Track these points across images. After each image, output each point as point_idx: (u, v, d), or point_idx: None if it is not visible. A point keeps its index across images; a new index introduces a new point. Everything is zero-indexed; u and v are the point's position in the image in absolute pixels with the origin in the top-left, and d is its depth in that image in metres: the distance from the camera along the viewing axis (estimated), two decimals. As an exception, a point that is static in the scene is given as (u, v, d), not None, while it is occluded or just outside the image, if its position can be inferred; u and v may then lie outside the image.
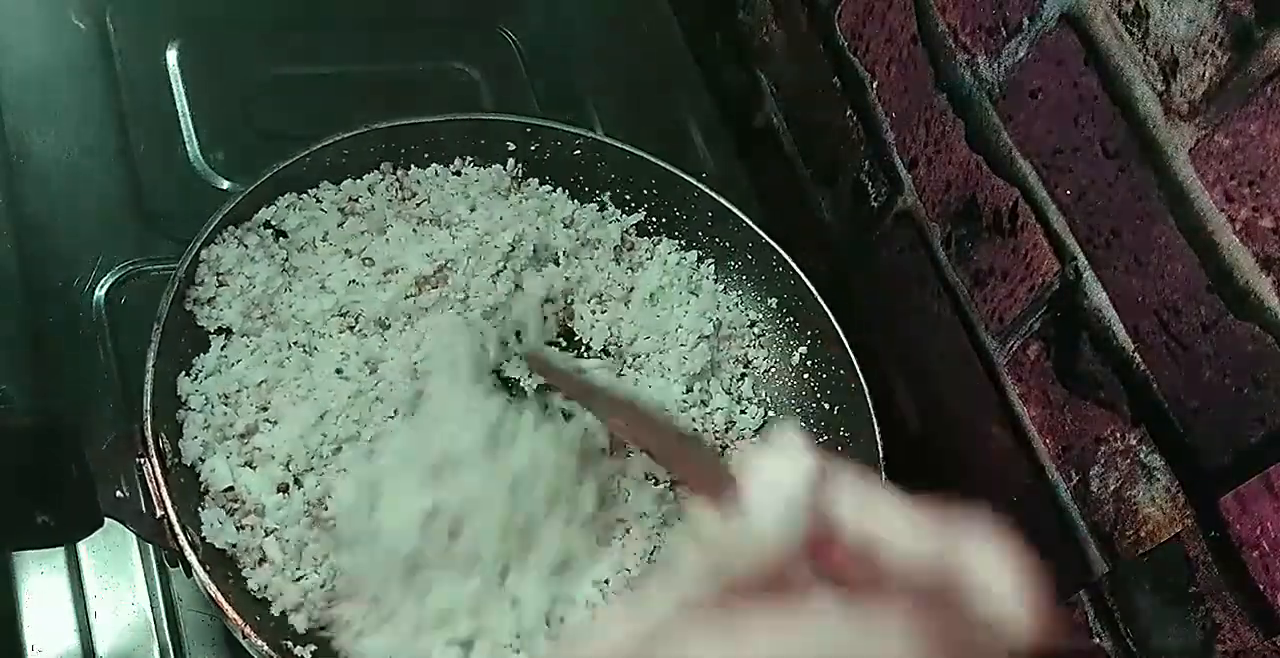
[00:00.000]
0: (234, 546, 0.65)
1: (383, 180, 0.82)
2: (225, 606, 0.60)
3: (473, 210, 0.82)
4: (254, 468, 0.68)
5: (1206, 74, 0.60)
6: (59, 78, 0.87)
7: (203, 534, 0.65)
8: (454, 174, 0.84)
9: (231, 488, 0.67)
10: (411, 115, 0.82)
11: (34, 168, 0.82)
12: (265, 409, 0.70)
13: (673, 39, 1.08)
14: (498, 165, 0.84)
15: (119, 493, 0.62)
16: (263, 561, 0.66)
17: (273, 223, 0.77)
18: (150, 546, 0.68)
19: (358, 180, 0.81)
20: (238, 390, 0.70)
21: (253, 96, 0.90)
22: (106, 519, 0.60)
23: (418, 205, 0.82)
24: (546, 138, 0.84)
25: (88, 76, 0.87)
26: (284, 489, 0.68)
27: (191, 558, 0.61)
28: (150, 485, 0.62)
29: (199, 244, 0.72)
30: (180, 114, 0.87)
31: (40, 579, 0.66)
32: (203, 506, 0.66)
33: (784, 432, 0.32)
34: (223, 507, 0.66)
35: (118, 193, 0.83)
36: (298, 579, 0.65)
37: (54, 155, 0.83)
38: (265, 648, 0.61)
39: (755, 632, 0.29)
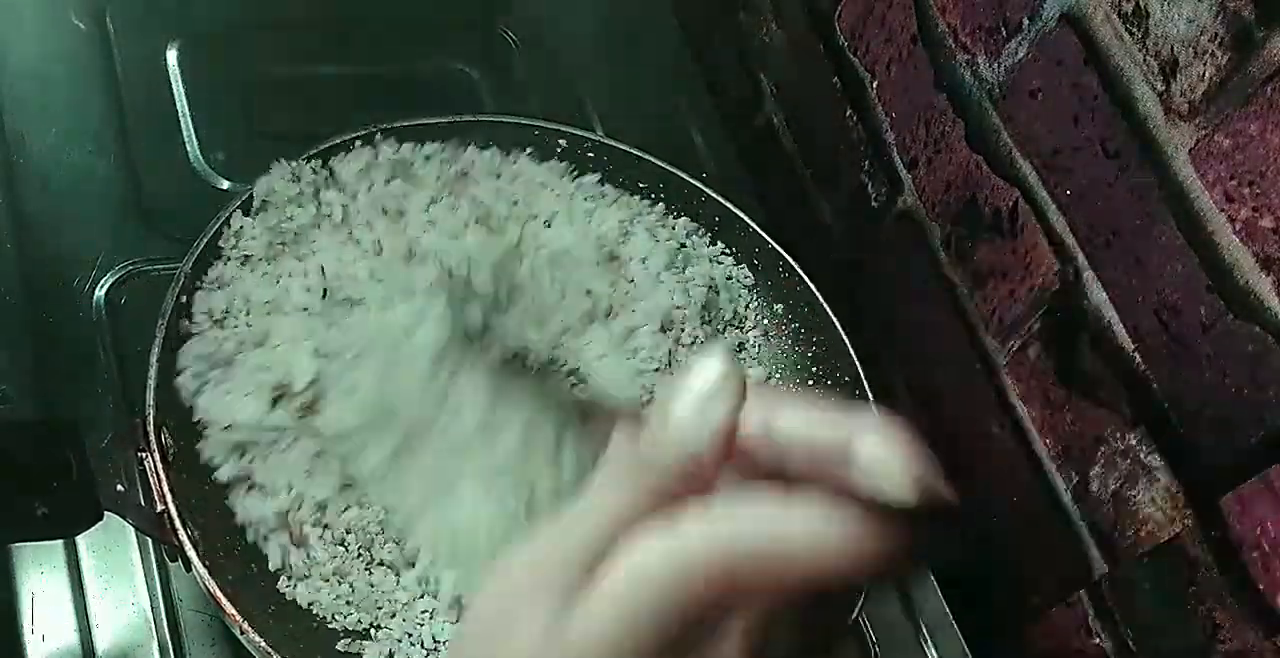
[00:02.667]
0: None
1: (442, 151, 0.82)
2: (224, 602, 0.60)
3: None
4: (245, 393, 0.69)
5: (1206, 74, 0.60)
6: (59, 78, 0.87)
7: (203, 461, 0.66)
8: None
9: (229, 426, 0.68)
10: (411, 115, 0.82)
11: (34, 168, 0.82)
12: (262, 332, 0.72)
13: (673, 39, 1.08)
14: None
15: (119, 487, 0.62)
16: (252, 487, 0.67)
17: (331, 162, 0.78)
18: (150, 543, 0.68)
19: (418, 146, 0.82)
20: (241, 310, 0.72)
21: (253, 96, 0.90)
22: (106, 513, 0.60)
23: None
24: (554, 140, 0.85)
25: (88, 76, 0.87)
26: (275, 402, 0.69)
27: (191, 553, 0.61)
28: (151, 480, 0.62)
29: (203, 243, 0.72)
30: (180, 114, 0.87)
31: (40, 577, 0.66)
32: (202, 439, 0.67)
33: (706, 354, 0.33)
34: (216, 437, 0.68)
35: (118, 193, 0.83)
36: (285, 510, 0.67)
37: (54, 155, 0.83)
38: (264, 645, 0.61)
39: (689, 525, 0.30)
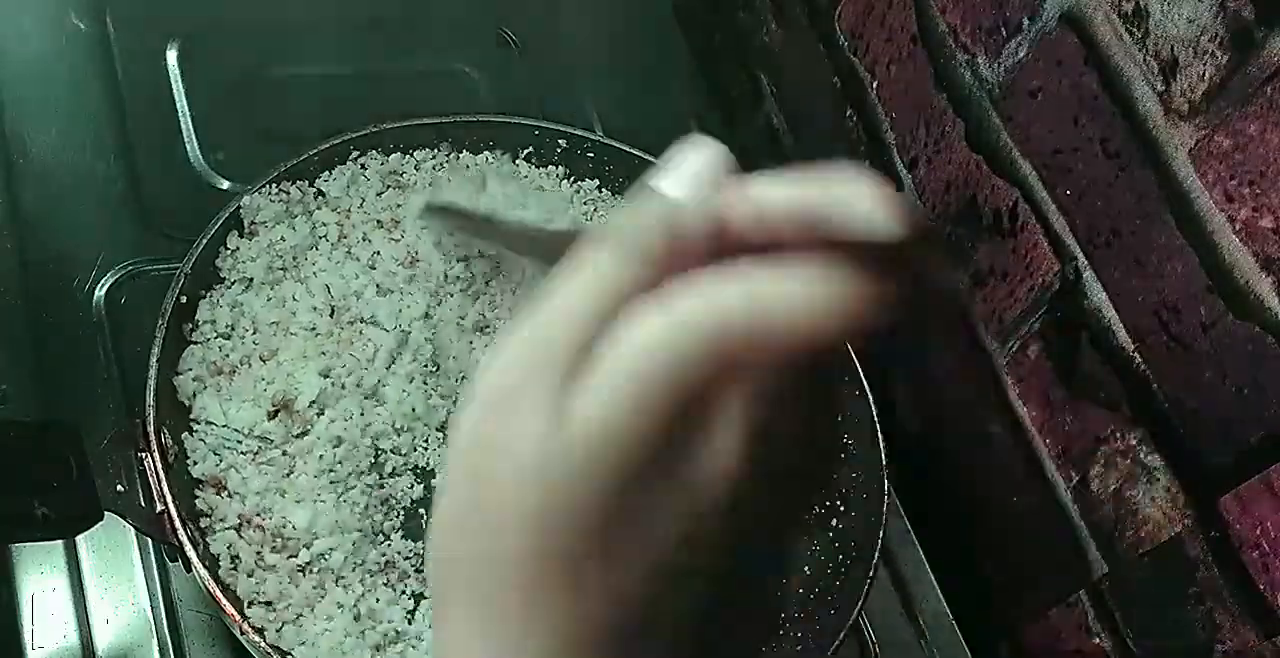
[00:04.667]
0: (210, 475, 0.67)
1: (434, 156, 0.82)
2: (225, 602, 0.60)
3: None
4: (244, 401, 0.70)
5: (1206, 74, 0.60)
6: (59, 78, 0.87)
7: (188, 461, 0.66)
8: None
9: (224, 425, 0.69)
10: (411, 115, 0.82)
11: (34, 168, 0.81)
12: (269, 349, 0.72)
13: (673, 39, 1.08)
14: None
15: (119, 487, 0.62)
16: (221, 490, 0.67)
17: (317, 183, 0.78)
18: (150, 544, 0.68)
19: (406, 155, 0.82)
20: (248, 328, 0.72)
21: (253, 96, 0.90)
22: (107, 520, 0.60)
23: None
24: (554, 140, 0.85)
25: (88, 76, 0.87)
26: (271, 417, 0.70)
27: (191, 553, 0.61)
28: (150, 480, 0.62)
29: (203, 243, 0.72)
30: (180, 114, 0.87)
31: (40, 578, 0.66)
32: (191, 432, 0.68)
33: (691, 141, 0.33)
34: (207, 437, 0.68)
35: (118, 193, 0.82)
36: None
37: (54, 155, 0.83)
38: (264, 645, 0.61)
39: (682, 298, 0.29)
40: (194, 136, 0.86)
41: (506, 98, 0.97)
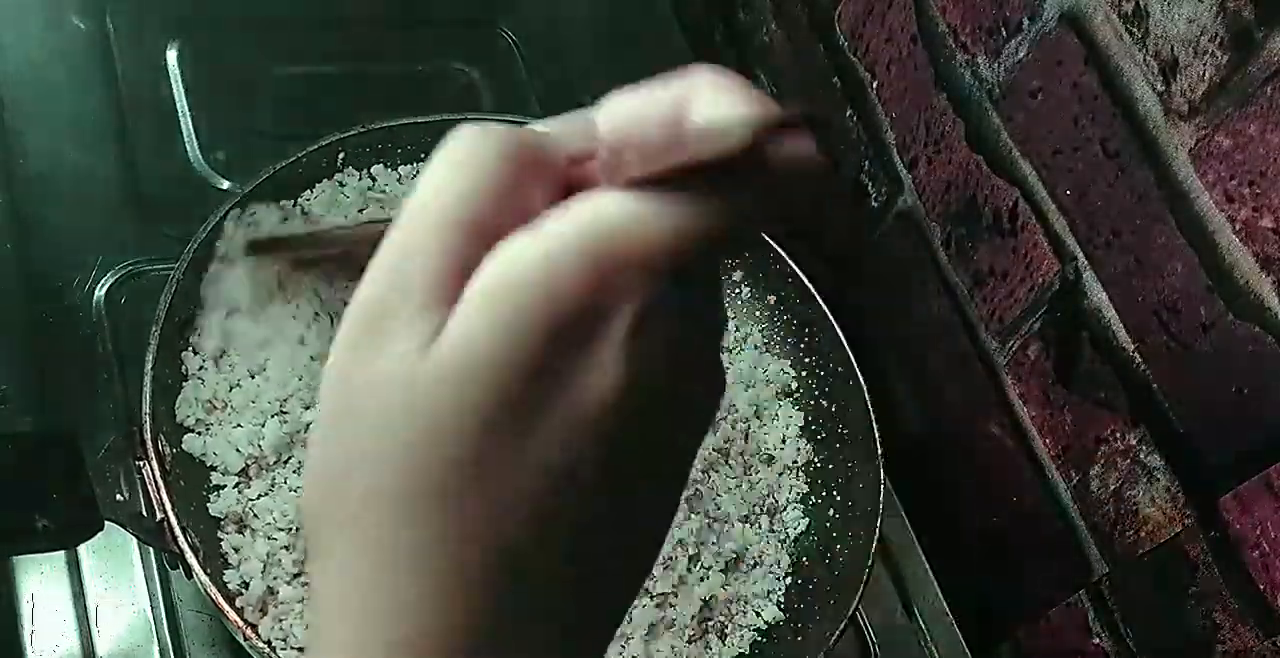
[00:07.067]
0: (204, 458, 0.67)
1: (415, 174, 0.82)
2: (226, 607, 0.60)
3: None
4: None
5: (1206, 74, 0.60)
6: (59, 78, 0.87)
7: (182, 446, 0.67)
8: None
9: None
10: (412, 115, 0.81)
11: (34, 168, 0.81)
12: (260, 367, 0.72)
13: (673, 39, 1.08)
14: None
15: (119, 496, 0.62)
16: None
17: (300, 202, 0.78)
18: (151, 547, 0.68)
19: (389, 168, 0.81)
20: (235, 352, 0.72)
21: (253, 96, 0.90)
22: (106, 522, 0.60)
23: None
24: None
25: (88, 76, 0.87)
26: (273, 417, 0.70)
27: (192, 560, 0.61)
28: (150, 488, 0.62)
29: (198, 243, 0.72)
30: (180, 114, 0.87)
31: (40, 580, 0.66)
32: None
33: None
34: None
35: (118, 193, 0.82)
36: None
37: (54, 155, 0.83)
38: (266, 649, 0.61)
39: (550, 225, 0.28)
40: (194, 136, 0.86)
41: (506, 98, 0.97)
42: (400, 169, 0.82)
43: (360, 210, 0.79)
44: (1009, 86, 0.74)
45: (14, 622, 0.65)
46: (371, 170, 0.81)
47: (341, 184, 0.79)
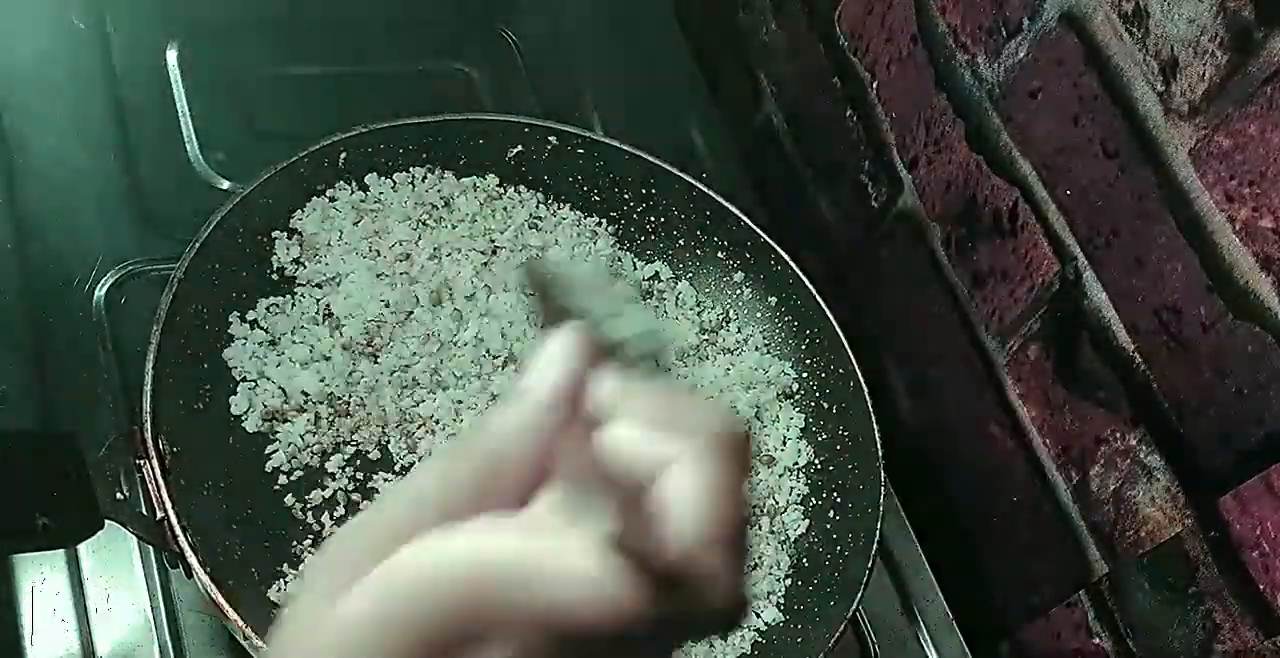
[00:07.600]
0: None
1: (409, 182, 0.83)
2: (227, 608, 0.60)
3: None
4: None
5: (1206, 74, 0.60)
6: (59, 78, 0.87)
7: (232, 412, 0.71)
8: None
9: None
10: (411, 115, 0.81)
11: (34, 168, 0.81)
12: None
13: (673, 39, 1.08)
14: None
15: (119, 495, 0.62)
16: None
17: (355, 178, 0.80)
18: (151, 546, 0.68)
19: (383, 176, 0.82)
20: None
21: (253, 96, 0.90)
22: (106, 522, 0.60)
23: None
24: (545, 137, 0.84)
25: (88, 76, 0.87)
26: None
27: (192, 560, 0.60)
28: (150, 487, 0.62)
29: (198, 244, 0.72)
30: (180, 114, 0.87)
31: (40, 579, 0.66)
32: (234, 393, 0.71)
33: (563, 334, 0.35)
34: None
35: (118, 193, 0.82)
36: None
37: (54, 155, 0.83)
38: (266, 649, 0.61)
39: (461, 536, 0.32)
40: (194, 136, 0.86)
41: (506, 98, 0.97)
42: (395, 176, 0.82)
43: (355, 224, 0.79)
44: (1009, 86, 0.74)
45: (14, 622, 0.65)
46: (365, 179, 0.81)
47: (333, 199, 0.79)
